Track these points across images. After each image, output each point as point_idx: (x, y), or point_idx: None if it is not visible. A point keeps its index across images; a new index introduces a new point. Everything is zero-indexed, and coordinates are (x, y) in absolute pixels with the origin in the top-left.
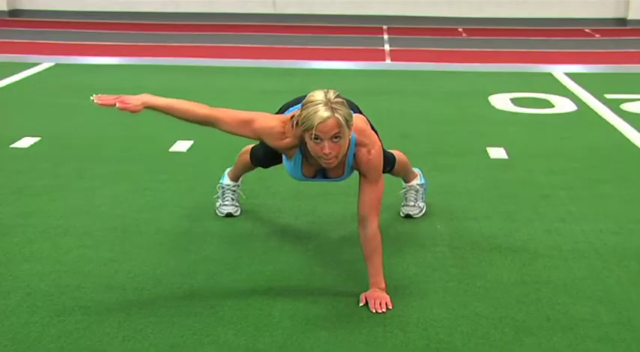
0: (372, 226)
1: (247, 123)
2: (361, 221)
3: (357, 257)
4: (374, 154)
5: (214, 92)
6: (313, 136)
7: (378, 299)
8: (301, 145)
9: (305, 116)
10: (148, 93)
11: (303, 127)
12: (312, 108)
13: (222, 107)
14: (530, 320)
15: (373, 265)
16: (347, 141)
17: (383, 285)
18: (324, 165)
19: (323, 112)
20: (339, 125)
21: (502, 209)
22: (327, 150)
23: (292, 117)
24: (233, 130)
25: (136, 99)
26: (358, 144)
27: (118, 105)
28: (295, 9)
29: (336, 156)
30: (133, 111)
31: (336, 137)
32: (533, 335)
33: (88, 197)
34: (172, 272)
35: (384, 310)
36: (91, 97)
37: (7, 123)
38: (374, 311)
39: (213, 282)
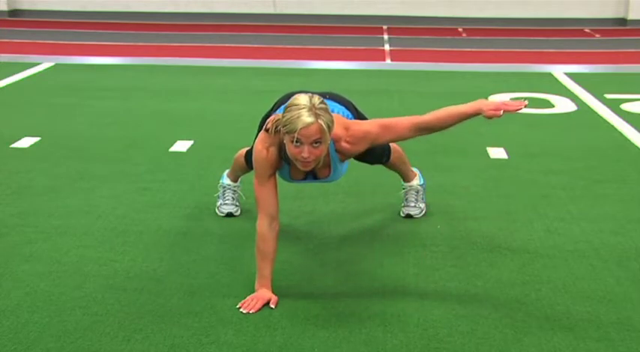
0: (430, 114)
1: (259, 181)
2: (423, 130)
3: (357, 257)
4: (353, 131)
5: (214, 92)
6: (295, 139)
7: None
8: (282, 152)
9: (288, 119)
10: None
11: (286, 129)
12: (295, 112)
13: (222, 107)
14: (530, 320)
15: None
16: (326, 147)
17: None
18: (300, 167)
19: (307, 117)
20: (321, 131)
21: (502, 209)
22: (306, 154)
23: (266, 126)
24: (273, 191)
25: (261, 299)
26: (336, 141)
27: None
28: (295, 9)
29: (314, 161)
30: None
31: (316, 142)
32: (533, 335)
33: (88, 197)
34: (172, 272)
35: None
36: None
37: (7, 123)
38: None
39: (213, 282)
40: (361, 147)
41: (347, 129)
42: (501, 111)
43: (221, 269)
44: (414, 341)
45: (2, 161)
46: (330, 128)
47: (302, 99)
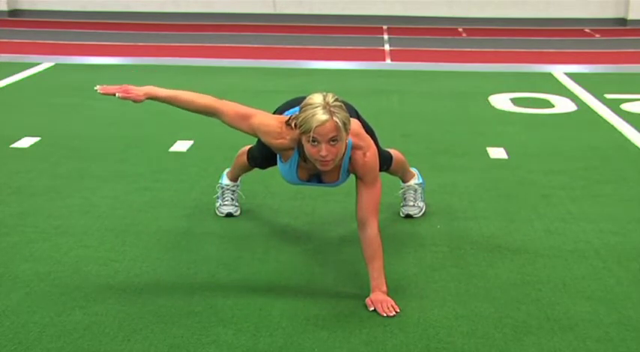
0: (372, 229)
1: (246, 117)
2: (361, 224)
3: (357, 257)
4: (369, 156)
5: (214, 92)
6: (311, 139)
7: (385, 302)
8: (299, 148)
9: (303, 118)
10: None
11: (302, 130)
12: (310, 111)
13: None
14: (530, 320)
15: (374, 268)
16: (344, 145)
17: (384, 288)
18: (319, 168)
19: (321, 115)
20: (337, 128)
21: (502, 209)
22: (324, 153)
23: (289, 119)
24: (232, 123)
25: (139, 90)
26: (354, 148)
27: (118, 94)
28: (295, 9)
29: (333, 159)
30: (135, 101)
31: (333, 140)
32: (533, 335)
33: (88, 197)
34: (172, 272)
35: (393, 314)
36: (95, 87)
37: (7, 123)
38: (384, 315)
39: (213, 282)
40: (358, 170)
41: (368, 147)
42: (373, 308)
43: (221, 269)
44: (414, 341)
45: (2, 161)
46: (346, 125)
47: (316, 98)
